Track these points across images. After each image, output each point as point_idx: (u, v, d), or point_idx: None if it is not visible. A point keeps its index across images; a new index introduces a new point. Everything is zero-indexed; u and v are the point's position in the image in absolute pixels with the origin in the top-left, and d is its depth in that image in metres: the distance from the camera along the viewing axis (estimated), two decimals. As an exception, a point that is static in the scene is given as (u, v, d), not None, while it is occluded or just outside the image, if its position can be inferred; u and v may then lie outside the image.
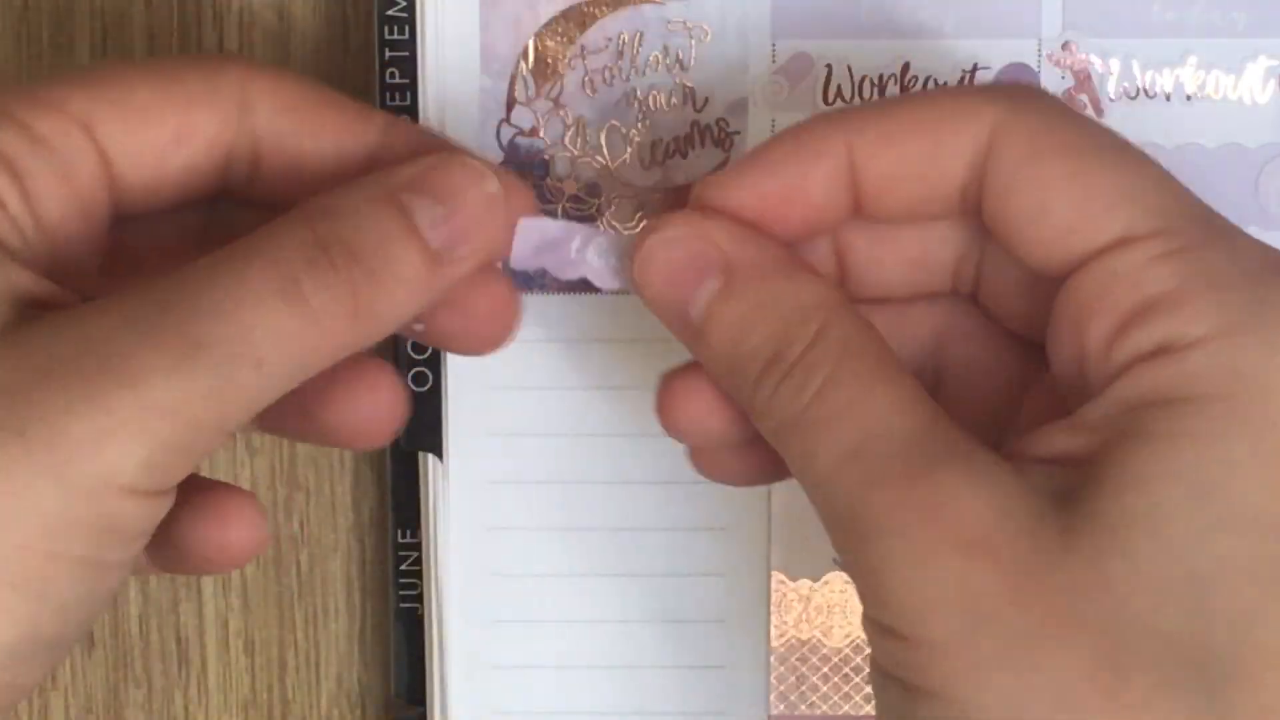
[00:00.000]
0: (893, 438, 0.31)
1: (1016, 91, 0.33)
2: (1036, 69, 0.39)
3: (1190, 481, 0.29)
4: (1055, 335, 0.32)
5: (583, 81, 0.40)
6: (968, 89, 0.37)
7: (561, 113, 0.40)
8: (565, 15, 0.39)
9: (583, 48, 0.40)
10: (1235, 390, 0.29)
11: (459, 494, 0.40)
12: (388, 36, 0.40)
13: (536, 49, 0.40)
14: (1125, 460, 0.30)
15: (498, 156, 0.40)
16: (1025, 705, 0.29)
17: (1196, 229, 0.31)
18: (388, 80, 0.40)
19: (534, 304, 0.40)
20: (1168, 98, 0.39)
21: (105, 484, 0.30)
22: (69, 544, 0.30)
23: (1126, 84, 0.39)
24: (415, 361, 0.41)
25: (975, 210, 0.33)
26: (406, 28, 0.40)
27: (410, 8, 0.40)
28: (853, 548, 0.31)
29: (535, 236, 0.35)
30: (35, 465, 0.29)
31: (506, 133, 0.40)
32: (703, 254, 0.33)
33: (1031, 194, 0.31)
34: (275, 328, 0.31)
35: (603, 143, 0.40)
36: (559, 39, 0.40)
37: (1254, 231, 0.38)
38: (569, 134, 0.40)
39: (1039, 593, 0.29)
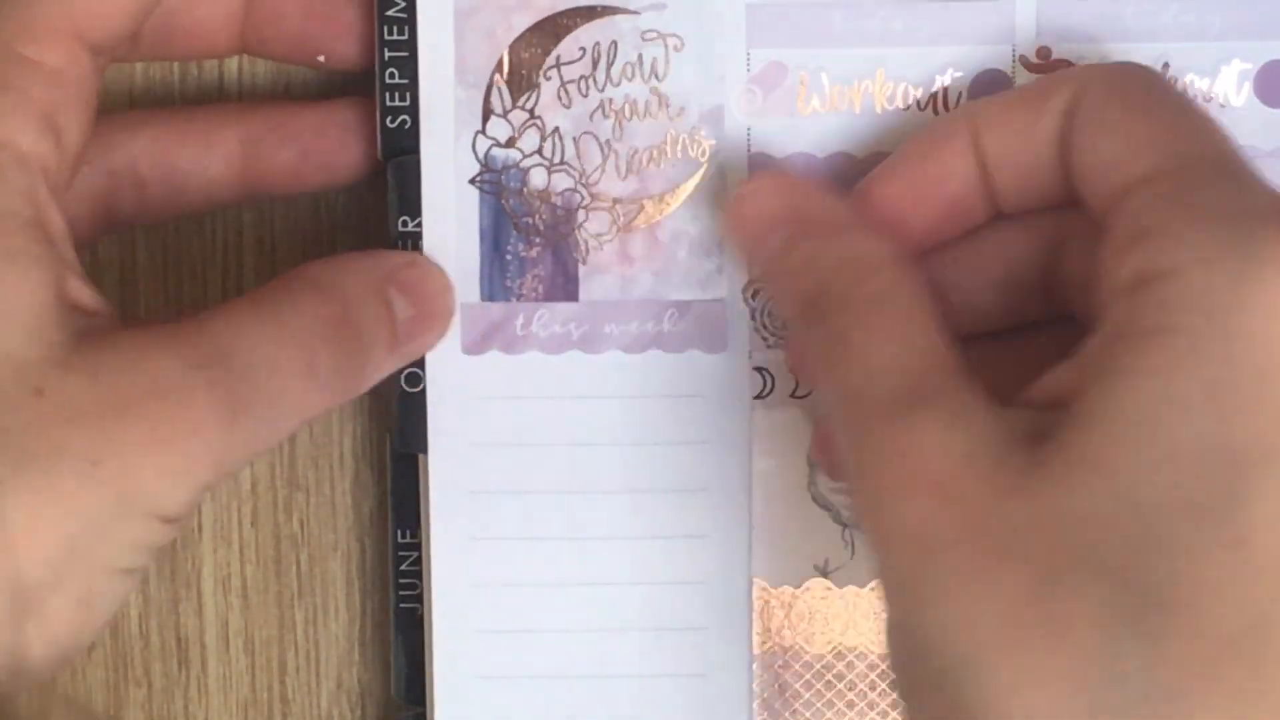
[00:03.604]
0: (889, 380, 0.33)
1: (1107, 64, 0.37)
2: (1011, 75, 0.39)
3: (1142, 419, 0.30)
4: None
5: (558, 92, 0.40)
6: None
7: (537, 123, 0.40)
8: (539, 26, 0.39)
9: (558, 58, 0.39)
10: (1197, 322, 0.30)
11: (441, 503, 0.40)
12: (388, 37, 0.40)
13: (511, 60, 0.40)
14: (1091, 399, 0.30)
15: (474, 168, 0.40)
16: (963, 631, 0.30)
17: (1207, 170, 0.31)
18: (388, 80, 0.40)
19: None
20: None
21: (155, 514, 0.33)
22: (119, 559, 0.33)
23: (1102, 89, 0.39)
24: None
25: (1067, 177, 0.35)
26: (406, 28, 0.40)
27: (410, 8, 0.40)
28: (850, 481, 0.33)
29: (482, 322, 0.39)
30: (104, 495, 0.32)
31: (483, 144, 0.40)
32: (776, 210, 0.37)
33: (1091, 137, 0.34)
34: (296, 398, 0.35)
35: (579, 153, 0.40)
36: (533, 50, 0.39)
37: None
38: (545, 144, 0.40)
39: (983, 529, 0.30)
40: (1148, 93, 0.34)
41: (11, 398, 0.32)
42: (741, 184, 0.38)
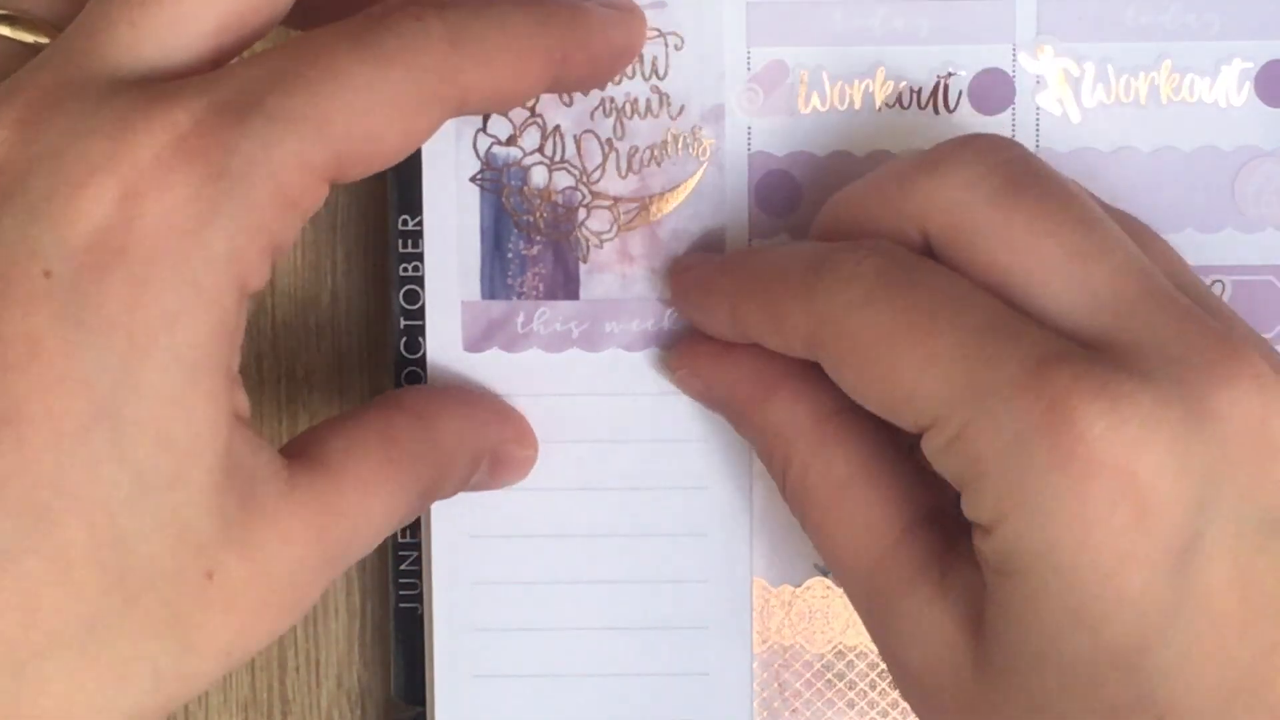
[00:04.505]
0: (856, 572, 0.35)
1: (837, 280, 0.34)
2: (1011, 74, 0.39)
3: (1031, 640, 0.32)
4: None
5: (559, 90, 0.40)
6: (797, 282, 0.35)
7: (538, 121, 0.40)
8: (540, 24, 0.39)
9: (559, 56, 0.39)
10: (1033, 570, 0.31)
11: (440, 502, 0.40)
12: (389, 37, 0.40)
13: (512, 58, 0.40)
14: (987, 620, 0.33)
15: (475, 166, 0.40)
16: None
17: (967, 408, 0.31)
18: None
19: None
20: (1143, 102, 0.39)
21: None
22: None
23: (1101, 88, 0.39)
24: (408, 361, 0.41)
25: None
26: (407, 28, 0.40)
27: (411, 8, 0.40)
28: None
29: (482, 319, 0.39)
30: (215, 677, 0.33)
31: (484, 142, 0.40)
32: (707, 396, 0.39)
33: (851, 387, 0.34)
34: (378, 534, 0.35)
35: (579, 151, 0.40)
36: (534, 48, 0.39)
37: (1230, 234, 0.39)
38: (546, 143, 0.40)
39: None
40: (886, 326, 0.33)
41: (188, 582, 0.31)
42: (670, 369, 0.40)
